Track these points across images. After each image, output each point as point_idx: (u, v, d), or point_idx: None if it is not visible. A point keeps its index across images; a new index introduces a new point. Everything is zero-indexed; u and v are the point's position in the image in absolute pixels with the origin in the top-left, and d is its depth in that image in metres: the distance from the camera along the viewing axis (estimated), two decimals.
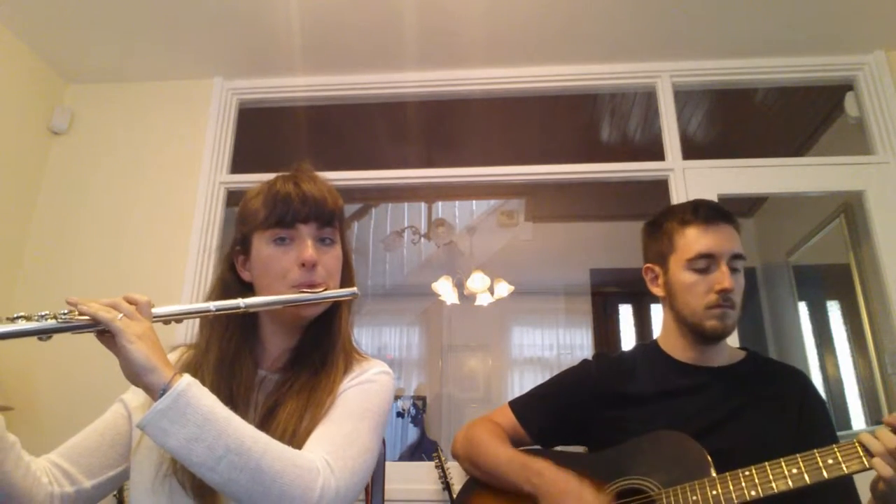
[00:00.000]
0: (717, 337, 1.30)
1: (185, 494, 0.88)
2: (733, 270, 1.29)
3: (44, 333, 0.80)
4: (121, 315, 0.81)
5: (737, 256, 1.30)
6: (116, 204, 2.50)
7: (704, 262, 1.29)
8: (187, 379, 0.80)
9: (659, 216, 1.42)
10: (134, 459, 0.96)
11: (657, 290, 1.40)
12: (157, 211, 2.47)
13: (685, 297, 1.31)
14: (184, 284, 2.33)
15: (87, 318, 0.80)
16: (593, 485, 1.21)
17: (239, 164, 2.60)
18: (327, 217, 1.01)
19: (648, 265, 1.42)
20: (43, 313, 0.79)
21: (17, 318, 0.78)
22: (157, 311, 0.86)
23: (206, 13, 2.27)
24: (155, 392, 0.78)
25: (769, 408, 1.27)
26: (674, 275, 1.34)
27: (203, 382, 0.82)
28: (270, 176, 1.06)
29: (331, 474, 0.82)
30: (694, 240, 1.31)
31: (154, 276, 2.37)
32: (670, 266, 1.35)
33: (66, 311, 0.80)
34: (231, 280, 1.04)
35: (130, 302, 0.84)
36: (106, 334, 0.80)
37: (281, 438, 0.86)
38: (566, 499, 1.19)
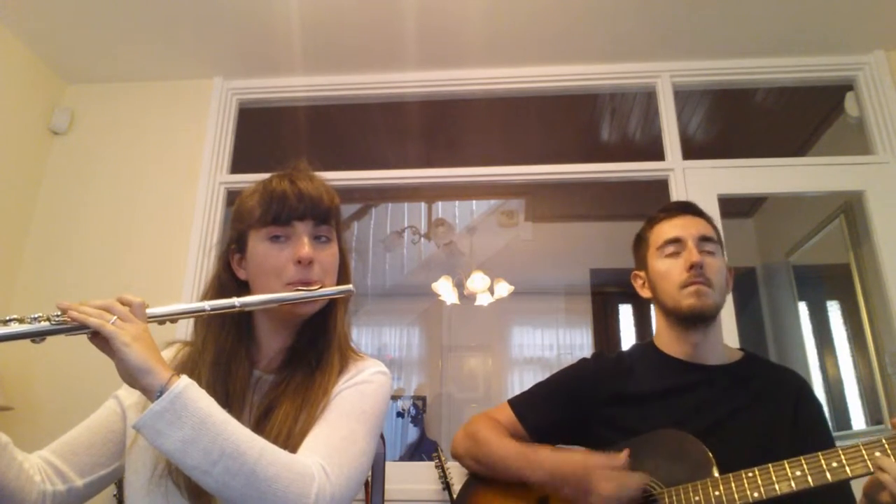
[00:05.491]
0: (698, 316, 1.30)
1: (181, 495, 0.87)
2: (705, 253, 1.33)
3: (36, 336, 0.79)
4: (113, 318, 0.80)
5: (705, 239, 1.34)
6: (116, 204, 2.49)
7: (673, 247, 1.35)
8: (185, 380, 0.79)
9: (640, 228, 1.48)
10: (129, 459, 0.96)
11: (645, 294, 1.43)
12: (157, 211, 2.47)
13: (662, 284, 1.35)
14: (184, 284, 2.33)
15: None
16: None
17: (239, 164, 2.60)
18: (323, 215, 1.00)
19: (635, 272, 1.47)
20: (35, 315, 0.79)
21: (10, 320, 0.78)
22: (151, 311, 0.86)
23: (206, 13, 2.27)
24: (152, 394, 0.78)
25: (765, 409, 1.27)
26: (652, 269, 1.39)
27: (199, 381, 0.82)
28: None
29: (326, 479, 0.81)
30: (661, 231, 1.38)
31: (154, 276, 2.37)
32: (648, 263, 1.40)
33: (59, 314, 0.80)
34: (227, 279, 1.04)
35: (124, 303, 0.84)
36: (99, 337, 0.79)
37: (276, 440, 0.86)
38: (574, 475, 1.19)
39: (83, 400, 1.12)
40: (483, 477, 1.40)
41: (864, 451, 1.01)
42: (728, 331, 2.09)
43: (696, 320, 1.31)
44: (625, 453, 1.19)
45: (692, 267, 1.29)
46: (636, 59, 2.53)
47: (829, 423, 1.33)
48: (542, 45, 2.46)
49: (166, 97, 2.64)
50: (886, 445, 1.00)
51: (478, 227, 4.93)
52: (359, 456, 0.89)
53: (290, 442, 0.88)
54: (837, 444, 1.09)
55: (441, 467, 2.06)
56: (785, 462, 1.06)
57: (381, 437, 1.66)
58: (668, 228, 1.37)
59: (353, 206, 4.64)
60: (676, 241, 1.34)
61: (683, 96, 2.70)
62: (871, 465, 0.99)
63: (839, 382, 3.22)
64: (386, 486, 1.81)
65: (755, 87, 2.73)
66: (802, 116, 3.02)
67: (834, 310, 3.43)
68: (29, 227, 2.47)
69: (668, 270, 1.33)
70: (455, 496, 1.66)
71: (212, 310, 0.90)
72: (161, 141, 2.58)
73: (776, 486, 1.04)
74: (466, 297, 4.77)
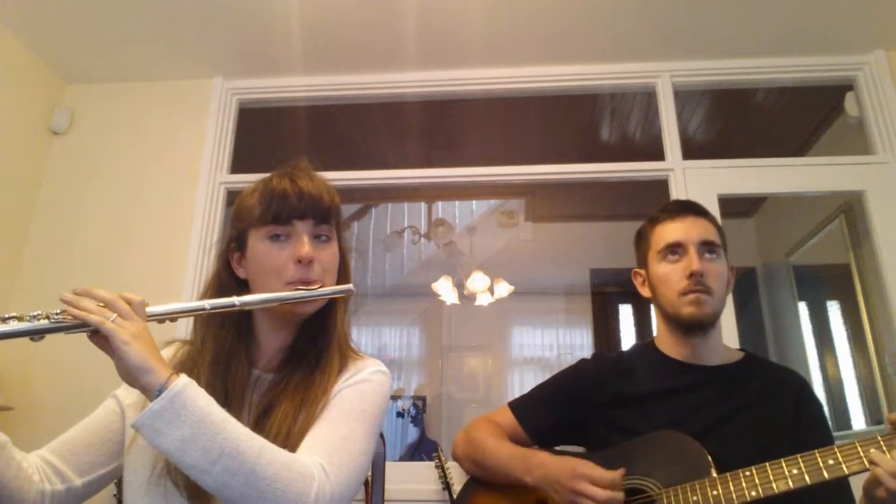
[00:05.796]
0: (696, 325, 1.30)
1: (180, 495, 0.87)
2: (707, 258, 1.31)
3: (35, 334, 0.79)
4: (114, 316, 0.80)
5: (707, 243, 1.32)
6: (116, 204, 2.49)
7: (674, 252, 1.33)
8: (184, 379, 0.79)
9: (641, 224, 1.47)
10: (127, 458, 0.95)
11: (645, 292, 1.42)
12: (157, 211, 2.47)
13: (662, 288, 1.34)
14: (184, 284, 2.33)
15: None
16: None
17: (239, 164, 2.60)
18: (324, 214, 1.00)
19: (636, 270, 1.46)
20: (35, 313, 0.79)
21: (9, 318, 0.78)
22: (151, 310, 0.85)
23: (206, 13, 2.27)
24: (151, 392, 0.78)
25: (766, 409, 1.27)
26: (652, 271, 1.38)
27: (198, 380, 0.82)
28: None
29: (326, 479, 0.81)
30: (663, 233, 1.36)
31: (154, 276, 2.37)
32: (649, 264, 1.39)
33: (58, 312, 0.80)
34: (226, 277, 1.03)
35: (125, 301, 0.83)
36: (99, 335, 0.79)
37: (275, 439, 0.86)
38: (562, 479, 1.20)
39: (83, 400, 1.12)
40: (483, 479, 1.40)
41: (859, 449, 1.01)
42: (728, 331, 2.09)
43: (695, 328, 1.31)
44: (620, 473, 1.17)
45: (692, 275, 1.28)
46: (636, 59, 2.53)
47: (830, 423, 1.33)
48: (542, 45, 2.46)
49: (166, 97, 2.64)
50: (882, 442, 1.01)
51: (478, 227, 4.93)
52: (358, 455, 0.89)
53: (290, 441, 0.88)
54: (837, 444, 1.09)
55: (441, 467, 2.06)
56: (782, 461, 1.06)
57: (381, 436, 1.66)
58: (670, 231, 1.35)
59: (353, 206, 4.64)
60: (678, 245, 1.33)
61: (683, 96, 2.70)
62: (866, 462, 0.99)
63: (839, 382, 3.22)
64: (386, 486, 1.81)
65: (755, 87, 2.73)
66: (802, 116, 3.02)
67: (834, 310, 3.43)
68: (29, 227, 2.47)
69: (668, 276, 1.32)
70: (455, 496, 1.66)
71: (211, 308, 0.90)
72: (161, 141, 2.58)
73: (774, 485, 1.04)
74: (466, 297, 4.78)
